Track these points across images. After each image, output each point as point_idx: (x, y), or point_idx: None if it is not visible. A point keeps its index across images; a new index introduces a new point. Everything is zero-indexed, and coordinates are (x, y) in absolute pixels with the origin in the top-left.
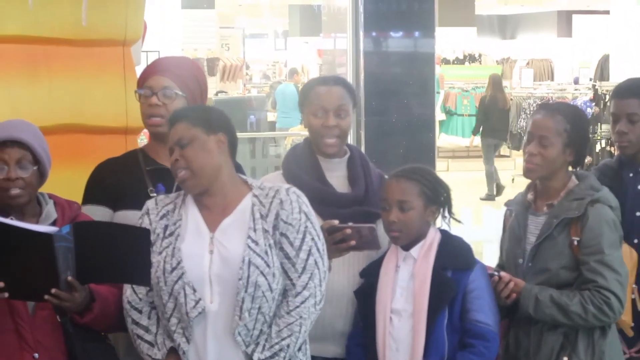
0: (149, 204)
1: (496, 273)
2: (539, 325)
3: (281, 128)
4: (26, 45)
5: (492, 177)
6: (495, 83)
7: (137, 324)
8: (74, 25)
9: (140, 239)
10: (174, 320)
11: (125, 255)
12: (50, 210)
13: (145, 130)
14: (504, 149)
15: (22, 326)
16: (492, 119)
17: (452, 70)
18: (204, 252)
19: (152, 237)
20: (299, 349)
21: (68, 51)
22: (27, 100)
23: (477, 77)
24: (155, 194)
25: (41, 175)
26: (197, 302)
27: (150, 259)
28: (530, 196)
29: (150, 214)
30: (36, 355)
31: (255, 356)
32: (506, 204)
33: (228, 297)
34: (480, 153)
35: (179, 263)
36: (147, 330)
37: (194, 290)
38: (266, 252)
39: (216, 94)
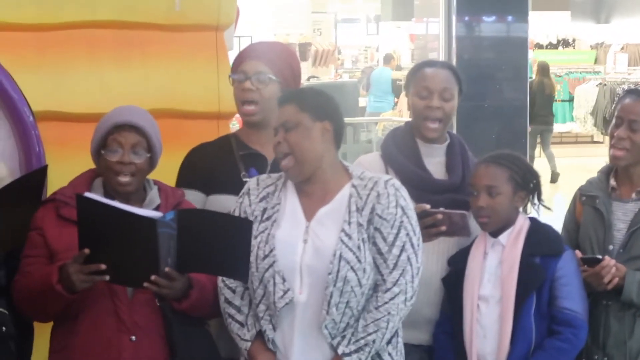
0: (251, 183)
1: (599, 257)
2: (632, 310)
3: (372, 112)
4: (120, 30)
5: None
6: (543, 69)
7: (229, 302)
8: (167, 11)
9: (243, 230)
10: (262, 307)
11: (226, 247)
12: (153, 196)
13: (237, 116)
14: (598, 135)
15: (121, 308)
16: (536, 106)
17: (545, 55)
18: (297, 241)
19: (251, 219)
20: (389, 343)
21: (161, 36)
22: (120, 85)
23: (571, 62)
24: (248, 179)
25: (151, 164)
26: (285, 292)
27: (250, 254)
28: (612, 182)
29: (250, 195)
30: (133, 337)
31: (340, 349)
32: (581, 190)
33: (317, 289)
34: (572, 139)
35: (271, 251)
36: (238, 310)
37: (284, 280)
38: (359, 247)
39: (308, 79)
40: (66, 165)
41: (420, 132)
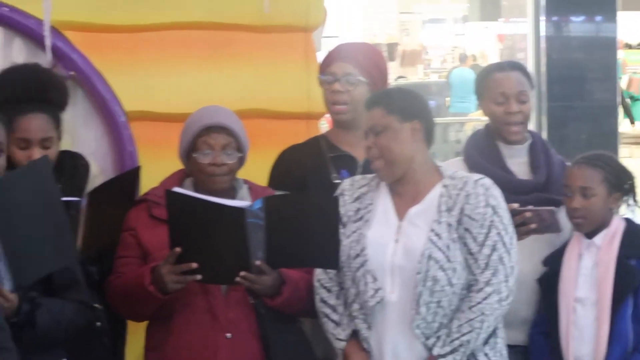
0: (345, 184)
1: None
2: None
3: (455, 113)
4: (209, 31)
5: None
6: None
7: (324, 302)
8: (256, 12)
9: (330, 207)
10: (356, 306)
11: (315, 231)
12: (244, 195)
13: (327, 116)
14: None
15: (215, 306)
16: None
17: (635, 56)
18: (389, 241)
19: (345, 219)
20: (486, 343)
21: (250, 38)
22: (211, 85)
23: None
24: (338, 181)
25: (241, 162)
26: (376, 291)
27: (339, 237)
28: None
29: (344, 195)
30: (228, 335)
31: (435, 350)
32: None
33: (408, 289)
34: None
35: (362, 250)
36: (334, 309)
37: (375, 279)
38: (448, 247)
39: (396, 80)
40: (158, 165)
41: (502, 135)
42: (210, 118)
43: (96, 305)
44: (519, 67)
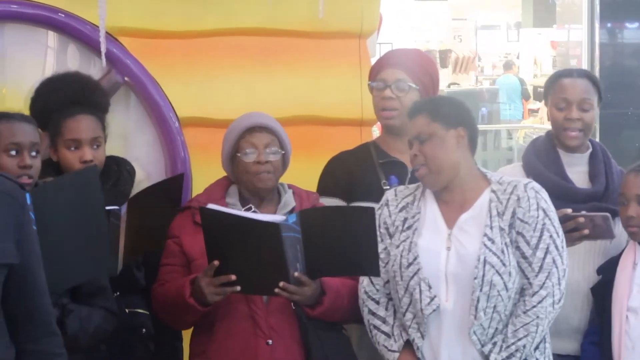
0: (389, 195)
1: None
2: None
3: (504, 120)
4: (264, 37)
5: None
6: None
7: (374, 314)
8: (310, 18)
9: (366, 219)
10: (409, 315)
11: (352, 241)
12: (288, 199)
13: (378, 122)
14: None
15: (257, 313)
16: None
17: None
18: (441, 249)
19: (392, 229)
20: (536, 348)
21: (304, 44)
22: (265, 92)
23: None
24: (388, 187)
25: (284, 163)
26: (432, 299)
27: (377, 245)
28: None
29: (389, 206)
30: (270, 341)
31: (492, 357)
32: None
33: (463, 296)
34: None
35: (415, 258)
36: (384, 321)
37: (430, 287)
38: (502, 251)
39: (448, 86)
40: (211, 171)
41: (561, 141)
42: (250, 119)
43: (141, 310)
44: (587, 75)
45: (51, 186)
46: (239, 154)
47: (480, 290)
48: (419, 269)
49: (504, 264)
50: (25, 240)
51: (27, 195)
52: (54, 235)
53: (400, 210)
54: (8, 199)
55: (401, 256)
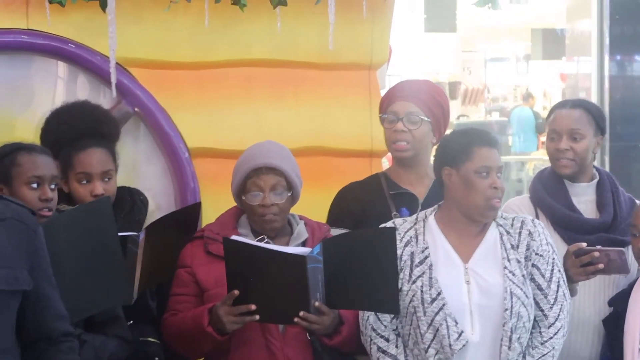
0: None
1: None
2: None
3: (517, 152)
4: (274, 68)
5: None
6: None
7: (384, 352)
8: (320, 50)
9: (387, 240)
10: (432, 352)
11: (374, 269)
12: (301, 230)
13: (388, 154)
14: None
15: (273, 343)
16: None
17: None
18: (460, 283)
19: (399, 264)
20: None
21: (314, 75)
22: (275, 122)
23: None
24: (399, 219)
25: (293, 199)
26: (459, 335)
27: (398, 275)
28: None
29: None
30: None
31: None
32: None
33: (490, 328)
34: None
35: (439, 294)
36: (395, 358)
37: (456, 322)
38: (523, 283)
39: (457, 118)
40: (220, 201)
41: (556, 170)
42: (257, 159)
43: (153, 339)
44: (583, 106)
45: (63, 218)
46: (243, 196)
47: (510, 321)
48: (444, 304)
49: (526, 296)
50: (38, 266)
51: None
52: (68, 266)
53: (406, 245)
54: (20, 226)
55: (422, 291)
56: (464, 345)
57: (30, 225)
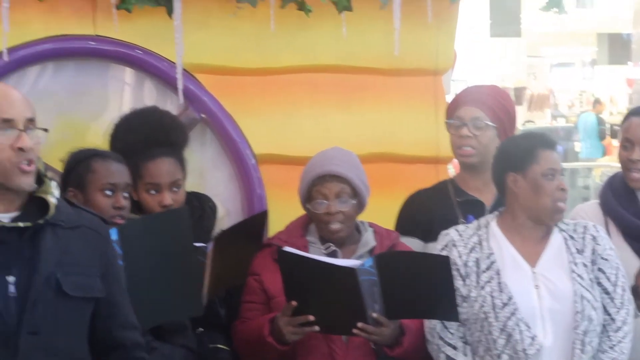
0: (453, 235)
1: None
2: None
3: (584, 158)
4: (340, 74)
5: None
6: None
7: None
8: (386, 55)
9: (442, 267)
10: (505, 357)
11: (429, 287)
12: (368, 238)
13: (454, 160)
14: None
15: (337, 352)
16: None
17: None
18: (530, 287)
19: (464, 270)
20: None
21: (380, 81)
22: (340, 129)
23: None
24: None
25: (360, 206)
26: (533, 339)
27: (455, 290)
28: None
29: (457, 246)
30: None
31: None
32: None
33: (562, 332)
34: None
35: (510, 299)
36: None
37: (528, 327)
38: (591, 286)
39: (523, 124)
40: (287, 208)
41: (628, 181)
42: (322, 166)
43: (223, 346)
44: None
45: (140, 223)
46: (308, 205)
47: (582, 325)
48: (515, 309)
49: (595, 299)
50: (110, 274)
51: (114, 231)
52: (141, 272)
53: (470, 251)
54: (93, 234)
55: (492, 297)
56: (537, 350)
57: (102, 233)
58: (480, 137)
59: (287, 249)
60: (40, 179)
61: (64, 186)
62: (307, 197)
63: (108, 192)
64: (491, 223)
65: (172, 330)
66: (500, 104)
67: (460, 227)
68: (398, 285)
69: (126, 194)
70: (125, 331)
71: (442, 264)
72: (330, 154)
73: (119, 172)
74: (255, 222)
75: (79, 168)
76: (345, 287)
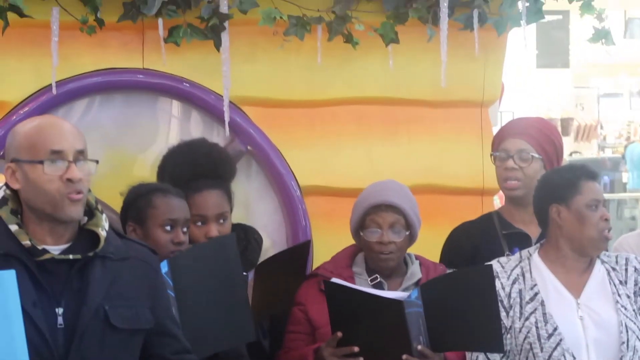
0: (495, 267)
1: None
2: None
3: (632, 189)
4: (386, 106)
5: None
6: None
7: None
8: (432, 87)
9: (485, 278)
10: None
11: (474, 308)
12: (415, 271)
13: (499, 192)
14: None
15: None
16: None
17: None
18: (574, 318)
19: (507, 302)
20: None
21: (426, 112)
22: (386, 160)
23: None
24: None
25: (411, 239)
26: None
27: (499, 313)
28: None
29: (500, 278)
30: None
31: None
32: None
33: None
34: None
35: (555, 329)
36: None
37: (574, 358)
38: (635, 317)
39: (570, 155)
40: (332, 239)
41: None
42: (378, 196)
43: None
44: None
45: (189, 254)
46: (362, 232)
47: (627, 355)
48: (561, 340)
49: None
50: (160, 305)
51: (164, 263)
52: (193, 302)
53: (513, 283)
54: (142, 265)
55: (537, 327)
56: None
57: (152, 264)
58: (526, 169)
59: (335, 280)
60: (90, 212)
61: (123, 220)
62: (360, 226)
63: (167, 228)
64: (533, 255)
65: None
66: (546, 136)
67: (503, 259)
68: (443, 313)
69: (185, 229)
70: (181, 356)
71: (485, 274)
72: (386, 184)
73: (179, 208)
74: (298, 252)
75: (139, 202)
76: (391, 319)
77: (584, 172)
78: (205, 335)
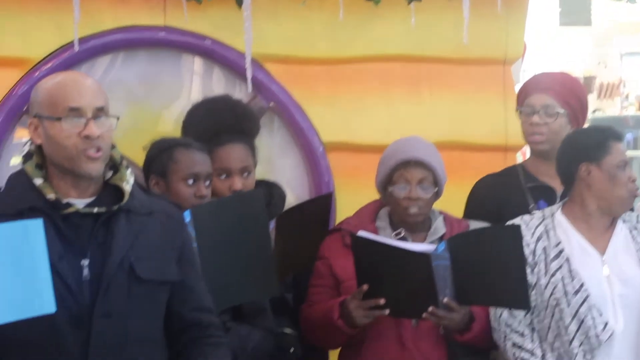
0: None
1: None
2: None
3: None
4: (409, 64)
5: None
6: None
7: (520, 347)
8: (455, 44)
9: (512, 237)
10: (576, 343)
11: (501, 265)
12: (439, 226)
13: (522, 149)
14: None
15: (405, 336)
16: None
17: None
18: (600, 274)
19: (531, 259)
20: None
21: (449, 70)
22: (409, 117)
23: None
24: (536, 212)
25: (437, 195)
26: (605, 325)
27: (526, 270)
28: None
29: (524, 236)
30: None
31: None
32: None
33: (632, 318)
34: None
35: (581, 285)
36: (532, 353)
37: (600, 313)
38: None
39: (593, 112)
40: (355, 195)
41: None
42: (407, 152)
43: (289, 331)
44: None
45: (213, 205)
46: (390, 187)
47: None
48: (587, 296)
49: None
50: (185, 258)
51: (187, 212)
52: (216, 253)
53: (538, 240)
54: (167, 219)
55: (564, 284)
56: (610, 336)
57: (176, 218)
58: (552, 124)
59: (362, 233)
60: (115, 167)
61: (146, 174)
62: (388, 181)
63: (190, 182)
64: (556, 213)
65: (251, 313)
66: (571, 91)
67: (526, 216)
68: (469, 268)
69: (207, 183)
70: (200, 313)
71: (513, 233)
72: (414, 140)
73: (201, 162)
74: (319, 204)
75: (162, 157)
76: (418, 272)
77: (612, 133)
78: (226, 287)
